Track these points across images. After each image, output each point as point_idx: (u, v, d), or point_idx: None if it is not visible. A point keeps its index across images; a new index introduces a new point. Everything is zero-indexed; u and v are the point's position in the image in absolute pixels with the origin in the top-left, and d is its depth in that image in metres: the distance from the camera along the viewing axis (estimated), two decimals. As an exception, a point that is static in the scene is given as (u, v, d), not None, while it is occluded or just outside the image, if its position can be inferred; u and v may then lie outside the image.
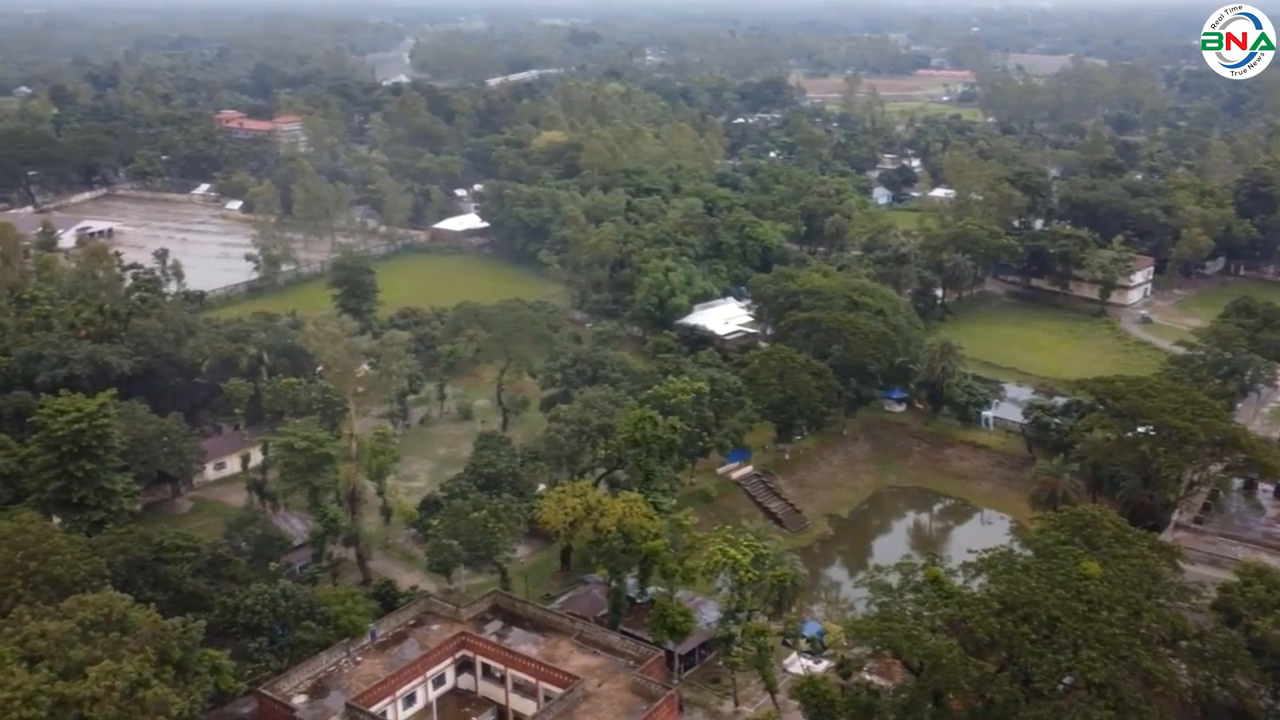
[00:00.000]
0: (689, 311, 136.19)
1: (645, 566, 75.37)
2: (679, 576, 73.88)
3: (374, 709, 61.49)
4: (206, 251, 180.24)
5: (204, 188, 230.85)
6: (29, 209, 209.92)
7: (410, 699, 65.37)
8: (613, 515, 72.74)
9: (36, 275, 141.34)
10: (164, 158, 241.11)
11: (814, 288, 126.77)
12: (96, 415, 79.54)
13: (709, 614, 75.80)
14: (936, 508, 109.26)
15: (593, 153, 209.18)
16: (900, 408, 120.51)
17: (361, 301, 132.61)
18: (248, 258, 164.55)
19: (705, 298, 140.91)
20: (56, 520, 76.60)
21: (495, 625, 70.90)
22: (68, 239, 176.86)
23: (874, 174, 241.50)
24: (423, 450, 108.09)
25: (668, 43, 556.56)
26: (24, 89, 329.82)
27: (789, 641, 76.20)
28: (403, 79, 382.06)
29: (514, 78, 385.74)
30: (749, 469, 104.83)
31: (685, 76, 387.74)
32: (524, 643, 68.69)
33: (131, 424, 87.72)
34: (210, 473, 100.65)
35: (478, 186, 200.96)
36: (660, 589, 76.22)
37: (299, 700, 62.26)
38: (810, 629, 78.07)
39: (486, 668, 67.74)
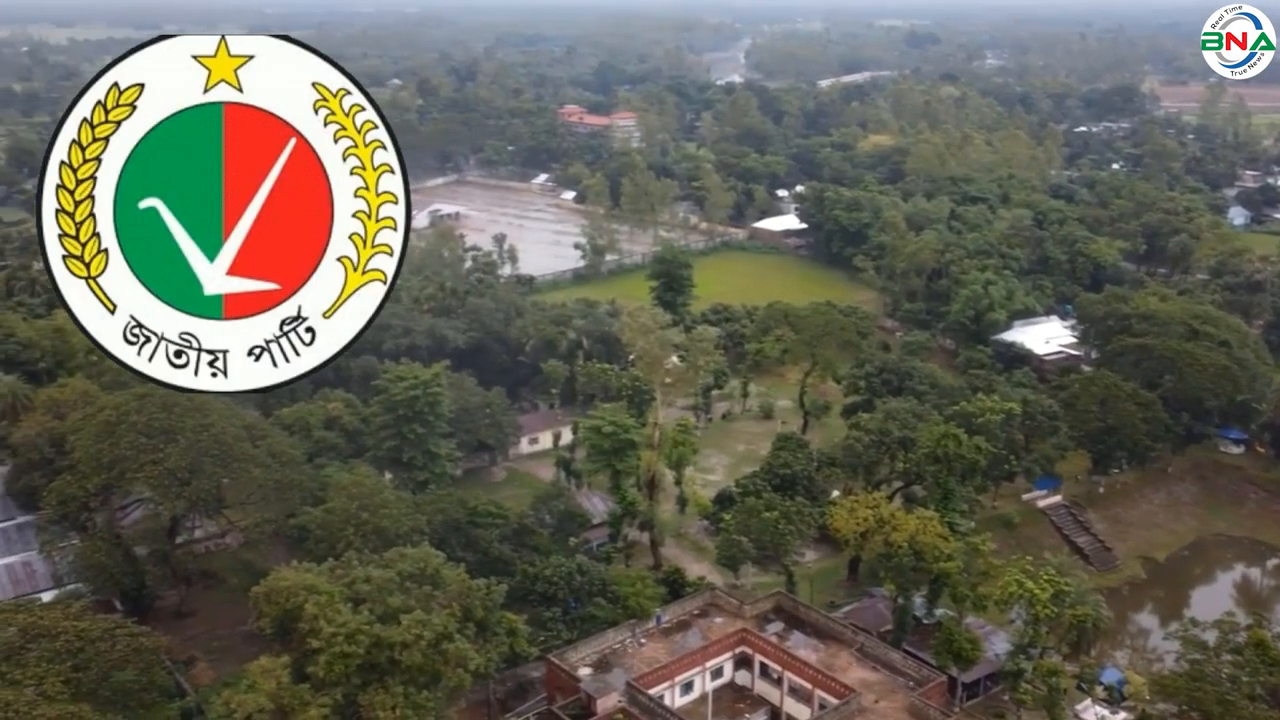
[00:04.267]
0: (1007, 327, 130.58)
1: (935, 587, 73.43)
2: (970, 602, 71.41)
3: (653, 691, 63.56)
4: (540, 238, 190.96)
5: (543, 177, 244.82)
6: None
7: (688, 687, 67.06)
8: (905, 530, 71.36)
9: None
10: (509, 148, 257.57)
11: (1149, 312, 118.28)
12: (430, 384, 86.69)
13: (998, 645, 72.77)
14: (1270, 563, 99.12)
15: (920, 158, 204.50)
16: (1238, 449, 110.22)
17: (677, 295, 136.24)
18: (576, 246, 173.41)
19: (1026, 314, 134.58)
20: (388, 476, 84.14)
21: (777, 626, 71.34)
22: (421, 219, 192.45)
23: (1231, 192, 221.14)
24: (722, 445, 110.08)
25: (1011, 45, 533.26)
26: (395, 81, 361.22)
27: (1084, 686, 71.85)
28: (736, 78, 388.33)
29: (845, 79, 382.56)
30: (1057, 498, 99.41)
31: (1026, 81, 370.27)
32: (803, 647, 68.74)
33: (459, 394, 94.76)
34: (524, 446, 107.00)
35: (799, 187, 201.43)
36: (949, 612, 73.95)
37: (584, 672, 65.39)
38: (1109, 676, 73.26)
39: (764, 667, 68.38)
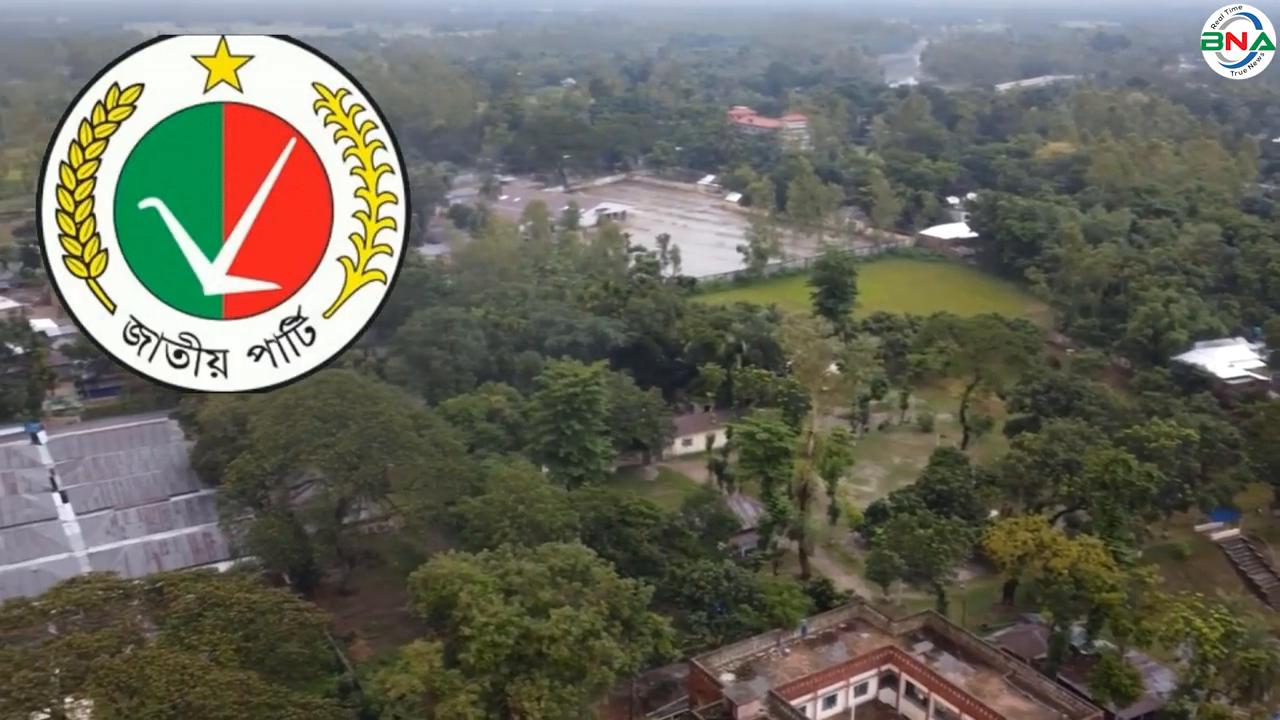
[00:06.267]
0: (1188, 348, 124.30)
1: (1095, 617, 70.74)
2: (1132, 636, 68.46)
3: (795, 702, 63.28)
4: (703, 239, 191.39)
5: (709, 179, 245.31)
6: (560, 189, 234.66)
7: (831, 700, 66.48)
8: (1066, 557, 68.92)
9: (559, 249, 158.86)
10: (677, 148, 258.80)
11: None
12: (589, 381, 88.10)
13: (1161, 682, 69.53)
14: None
15: (1101, 167, 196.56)
16: None
17: (839, 302, 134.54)
18: (738, 249, 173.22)
19: (1209, 335, 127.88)
20: (544, 470, 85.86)
21: (925, 646, 69.97)
22: (588, 218, 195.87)
23: None
24: (877, 456, 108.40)
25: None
26: (569, 80, 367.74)
27: (1254, 733, 68.03)
28: (910, 81, 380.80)
29: (1025, 83, 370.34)
30: (1234, 532, 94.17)
31: (1222, 87, 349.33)
32: (952, 670, 67.24)
33: (617, 393, 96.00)
34: (678, 447, 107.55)
35: (971, 195, 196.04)
36: (1109, 644, 71.08)
37: (726, 678, 65.53)
38: (1283, 725, 69.14)
39: (910, 687, 67.18)
